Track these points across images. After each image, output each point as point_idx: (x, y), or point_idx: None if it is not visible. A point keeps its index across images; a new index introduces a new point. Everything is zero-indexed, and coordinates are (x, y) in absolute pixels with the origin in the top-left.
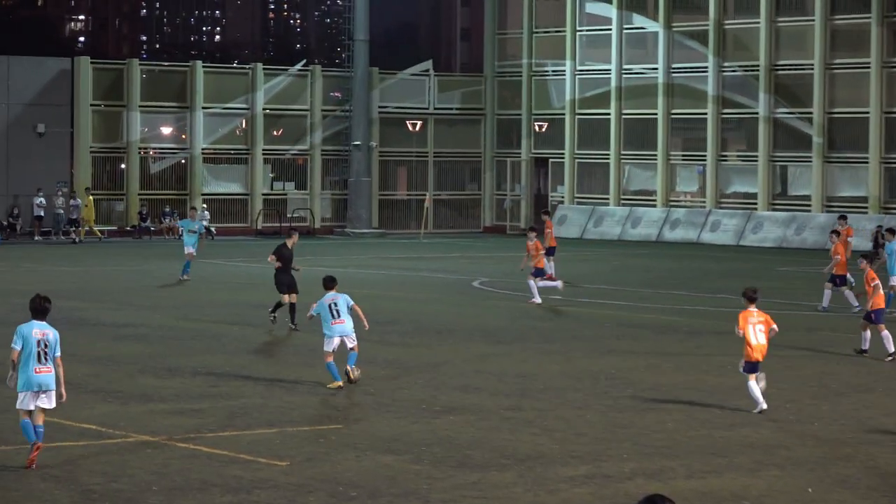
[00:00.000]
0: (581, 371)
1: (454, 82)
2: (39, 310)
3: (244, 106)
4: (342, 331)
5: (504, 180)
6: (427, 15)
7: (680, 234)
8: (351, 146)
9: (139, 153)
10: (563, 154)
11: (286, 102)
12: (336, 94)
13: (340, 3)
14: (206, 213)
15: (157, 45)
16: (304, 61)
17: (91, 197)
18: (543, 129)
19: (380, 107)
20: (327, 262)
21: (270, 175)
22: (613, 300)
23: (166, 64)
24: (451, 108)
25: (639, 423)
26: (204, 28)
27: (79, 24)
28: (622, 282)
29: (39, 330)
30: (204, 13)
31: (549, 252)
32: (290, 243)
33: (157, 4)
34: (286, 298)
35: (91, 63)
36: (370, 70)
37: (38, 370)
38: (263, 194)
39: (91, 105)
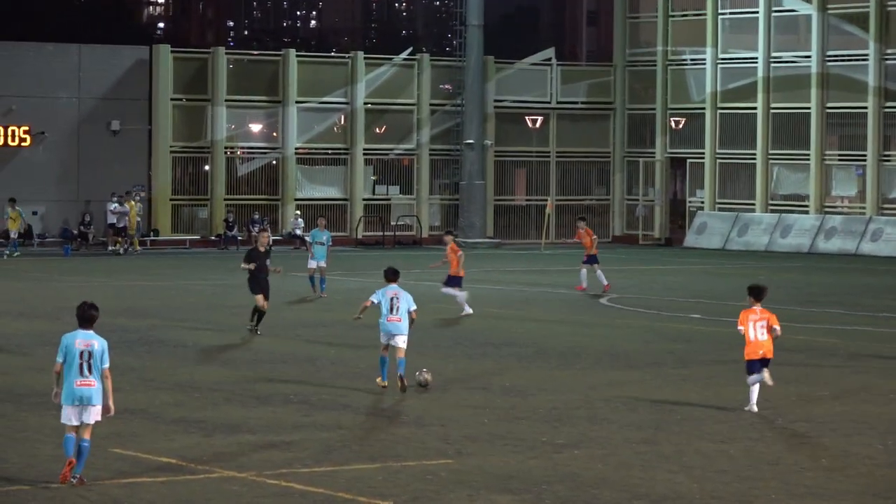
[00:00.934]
0: (724, 400)
1: (579, 73)
2: (85, 318)
3: (343, 100)
4: (396, 329)
5: (636, 183)
6: None
7: (836, 245)
8: (463, 145)
9: (225, 153)
10: (702, 154)
11: (390, 96)
12: (446, 87)
13: None
14: (300, 220)
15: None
16: (411, 49)
17: (133, 202)
18: (680, 126)
19: (495, 100)
20: (436, 276)
21: (372, 178)
22: None
23: (256, 53)
24: (576, 102)
25: (789, 459)
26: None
27: (158, 9)
28: (770, 298)
29: (83, 340)
30: None
31: (591, 260)
32: (261, 246)
33: None
34: (260, 300)
35: (171, 52)
36: (485, 59)
37: (79, 383)
38: (364, 199)
39: (171, 99)
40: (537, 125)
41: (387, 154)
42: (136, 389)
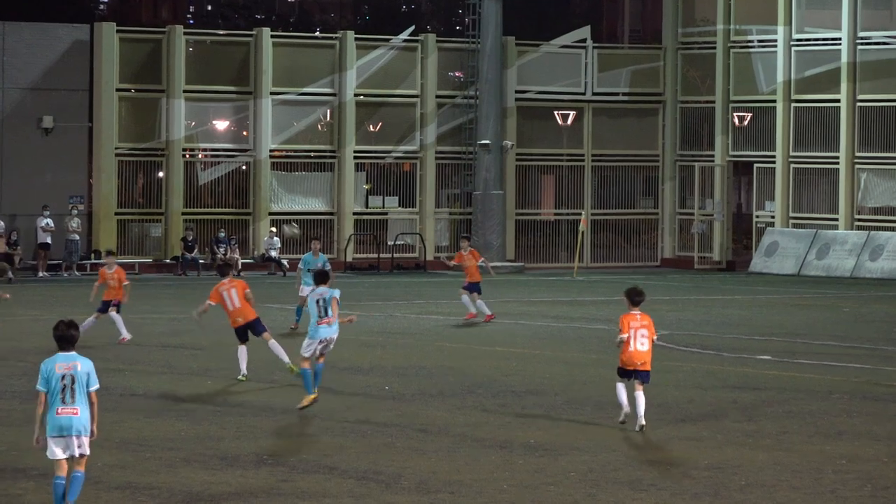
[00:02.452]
0: (798, 461)
1: (621, 57)
2: (65, 338)
3: (329, 91)
4: (328, 333)
5: (690, 194)
6: None
7: None
8: (477, 146)
9: (184, 156)
10: (773, 157)
11: (387, 86)
12: (456, 75)
13: None
14: (276, 239)
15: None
16: (413, 28)
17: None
18: (746, 123)
19: (517, 91)
20: (443, 309)
21: (365, 187)
22: (844, 362)
23: (221, 33)
24: (617, 94)
25: None
26: None
27: None
28: (857, 335)
29: (64, 363)
30: None
31: (473, 288)
32: None
33: None
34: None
35: (117, 31)
36: (504, 40)
37: (60, 411)
38: (355, 214)
39: (117, 90)
40: (569, 122)
41: (383, 158)
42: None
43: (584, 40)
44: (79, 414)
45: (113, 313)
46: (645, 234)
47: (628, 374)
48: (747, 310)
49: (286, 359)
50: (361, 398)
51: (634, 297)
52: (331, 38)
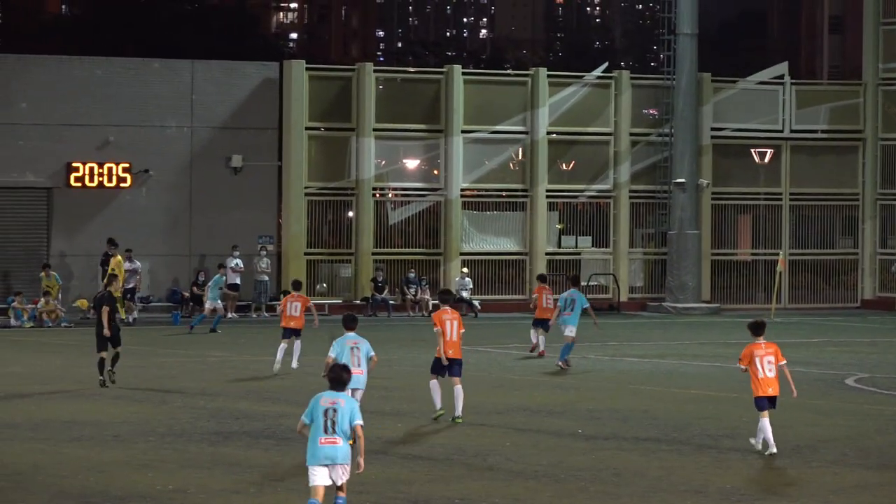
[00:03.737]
0: None
1: (820, 94)
2: (337, 380)
3: (521, 128)
4: (357, 382)
5: (891, 233)
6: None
7: None
8: (672, 185)
9: (373, 196)
10: None
11: (580, 123)
12: (651, 112)
13: None
14: (469, 280)
15: (399, 45)
16: (606, 65)
17: (48, 272)
18: None
19: (713, 129)
20: (636, 350)
21: (557, 226)
22: None
23: (412, 70)
24: (816, 131)
25: None
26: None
27: (290, 16)
28: None
29: (329, 398)
30: None
31: (538, 323)
32: (113, 290)
33: None
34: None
35: (307, 69)
36: (700, 77)
37: (323, 441)
38: (548, 254)
39: (307, 129)
40: (766, 160)
41: (576, 196)
42: (263, 492)
43: (781, 76)
44: (340, 444)
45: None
46: (844, 274)
47: (764, 403)
48: None
49: (460, 409)
50: (555, 440)
51: (756, 329)
52: (523, 75)
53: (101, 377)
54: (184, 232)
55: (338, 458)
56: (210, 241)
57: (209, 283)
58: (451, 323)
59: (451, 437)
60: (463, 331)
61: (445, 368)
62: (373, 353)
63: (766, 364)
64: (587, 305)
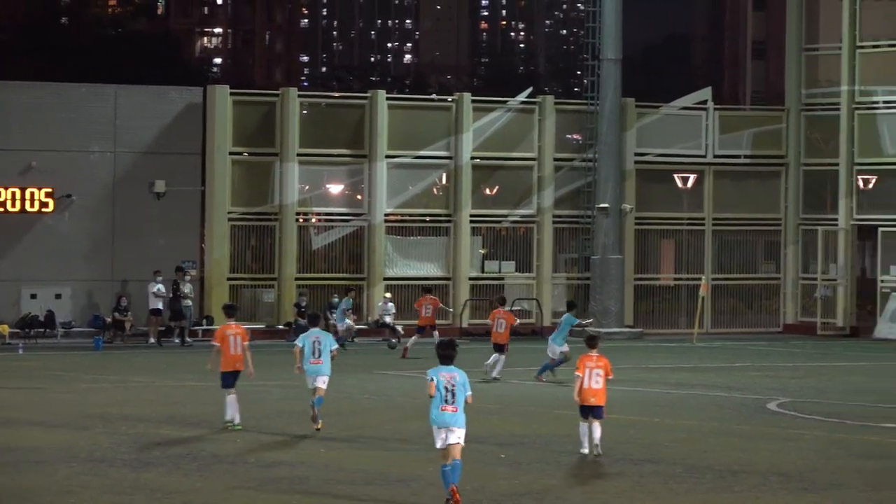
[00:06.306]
0: None
1: (743, 119)
2: (446, 356)
3: (445, 154)
4: (317, 371)
5: (813, 258)
6: (703, 24)
7: None
8: (595, 210)
9: (297, 221)
10: None
11: (504, 148)
12: (575, 137)
13: (582, 7)
14: (391, 305)
15: (324, 69)
16: (530, 90)
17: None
18: (871, 185)
19: (636, 154)
20: (559, 375)
21: (481, 251)
22: None
23: (336, 95)
24: (739, 156)
25: None
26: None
27: (213, 41)
28: None
29: (447, 373)
30: (389, 23)
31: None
32: None
33: (324, 12)
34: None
35: (231, 94)
36: (623, 102)
37: (443, 408)
38: (471, 279)
39: (230, 153)
40: (689, 185)
41: (499, 221)
42: None
43: (705, 102)
44: (457, 412)
45: None
46: (766, 299)
47: (586, 411)
48: (872, 376)
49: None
50: (478, 466)
51: (590, 342)
52: (447, 101)
53: None
54: (106, 257)
55: (456, 422)
56: (133, 267)
57: (336, 311)
58: (234, 338)
59: (375, 462)
60: (247, 343)
61: (234, 381)
62: (335, 346)
63: (594, 376)
64: (574, 323)
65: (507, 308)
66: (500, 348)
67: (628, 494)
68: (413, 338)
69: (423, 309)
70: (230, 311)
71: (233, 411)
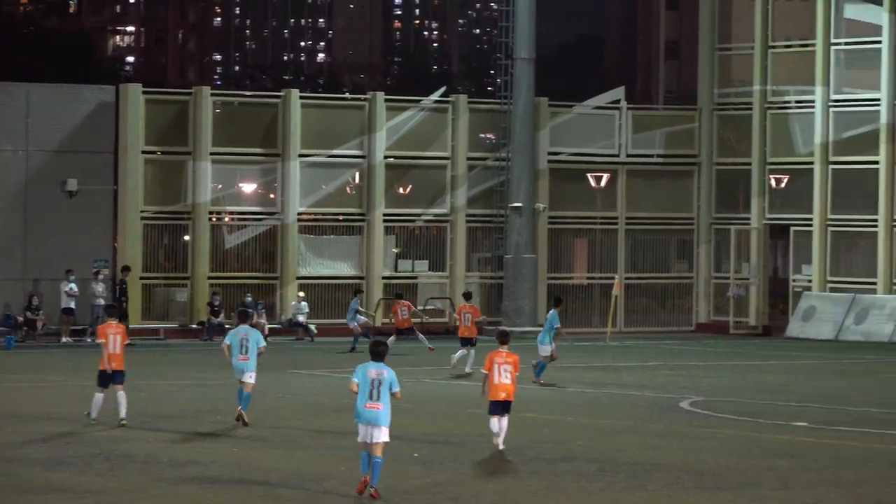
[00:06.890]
0: None
1: (655, 119)
2: (377, 353)
3: (358, 153)
4: (244, 367)
5: (726, 257)
6: (617, 25)
7: None
8: (508, 209)
9: (210, 220)
10: (810, 220)
11: (417, 147)
12: (488, 136)
13: (496, 7)
14: (304, 304)
15: (237, 68)
16: (444, 89)
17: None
18: (783, 185)
19: (550, 153)
20: (475, 376)
21: (394, 250)
22: (883, 429)
23: (249, 94)
24: (651, 156)
25: None
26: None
27: (126, 39)
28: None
29: (375, 369)
30: (302, 22)
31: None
32: None
33: (237, 11)
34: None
35: (143, 93)
36: (537, 101)
37: (367, 405)
38: (384, 278)
39: (143, 152)
40: (602, 184)
41: (413, 220)
42: None
43: (617, 101)
44: (381, 409)
45: None
46: (679, 298)
47: (496, 407)
48: (784, 375)
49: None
50: (392, 465)
51: (501, 337)
52: (360, 100)
53: None
54: (18, 256)
55: (380, 420)
56: (45, 265)
57: (349, 311)
58: (114, 337)
59: (288, 461)
60: (128, 342)
61: (109, 379)
62: (262, 344)
63: (503, 371)
64: (557, 325)
65: (471, 303)
66: (468, 342)
67: (542, 493)
68: (392, 337)
69: (398, 313)
70: (110, 310)
71: (96, 411)
